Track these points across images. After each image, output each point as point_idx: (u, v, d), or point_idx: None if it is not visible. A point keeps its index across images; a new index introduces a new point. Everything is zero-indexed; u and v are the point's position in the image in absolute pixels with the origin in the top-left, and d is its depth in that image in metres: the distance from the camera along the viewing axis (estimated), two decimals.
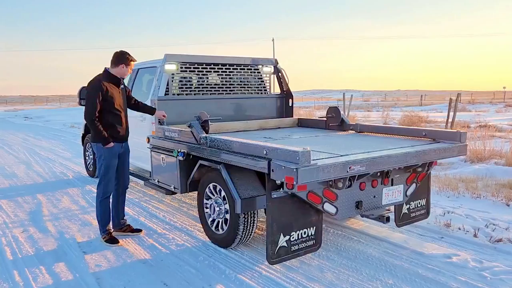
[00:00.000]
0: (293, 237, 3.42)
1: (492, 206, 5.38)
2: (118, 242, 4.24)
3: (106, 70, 4.15)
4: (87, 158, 7.68)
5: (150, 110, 4.79)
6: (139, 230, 4.57)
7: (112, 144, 4.11)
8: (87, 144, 7.58)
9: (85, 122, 4.11)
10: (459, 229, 4.51)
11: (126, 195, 4.66)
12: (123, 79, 4.29)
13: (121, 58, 4.12)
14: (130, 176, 4.73)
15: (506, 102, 37.30)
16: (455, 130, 4.13)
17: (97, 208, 4.31)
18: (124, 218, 4.59)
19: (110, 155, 4.17)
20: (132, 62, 4.19)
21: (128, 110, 4.45)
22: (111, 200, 4.44)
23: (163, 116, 4.83)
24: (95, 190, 6.57)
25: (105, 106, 4.04)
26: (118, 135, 4.20)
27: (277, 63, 6.20)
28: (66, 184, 7.10)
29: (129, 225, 4.59)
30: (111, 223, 4.42)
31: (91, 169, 7.52)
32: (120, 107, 4.18)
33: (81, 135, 7.80)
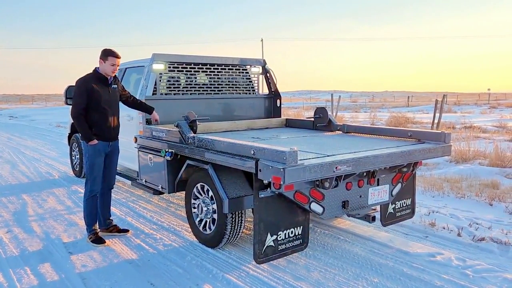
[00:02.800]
0: (280, 237, 3.44)
1: (475, 206, 5.48)
2: (104, 242, 4.22)
3: (94, 69, 4.16)
4: (73, 157, 7.60)
5: (147, 109, 4.77)
6: (126, 231, 4.55)
7: (95, 142, 4.09)
8: (73, 144, 7.51)
9: (71, 119, 4.11)
10: (444, 228, 4.59)
11: (113, 195, 4.64)
12: (112, 78, 4.21)
13: (101, 54, 4.11)
14: (117, 176, 4.70)
15: (490, 104, 37.96)
16: (440, 131, 4.21)
17: (84, 206, 4.30)
18: (111, 218, 4.56)
19: (95, 153, 4.15)
20: (110, 57, 4.07)
21: (120, 109, 4.41)
22: (99, 200, 4.41)
23: (156, 120, 4.81)
24: (82, 190, 6.53)
25: (91, 105, 4.04)
26: (103, 133, 4.17)
27: (265, 64, 6.22)
28: (52, 184, 7.02)
29: (115, 225, 4.56)
30: (97, 223, 4.39)
31: (77, 169, 7.44)
32: (108, 106, 4.15)
33: (67, 134, 7.72)
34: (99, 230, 4.38)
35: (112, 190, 4.60)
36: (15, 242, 4.35)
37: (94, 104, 4.05)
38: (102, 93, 4.09)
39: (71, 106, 4.20)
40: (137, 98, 4.79)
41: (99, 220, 4.43)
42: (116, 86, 4.30)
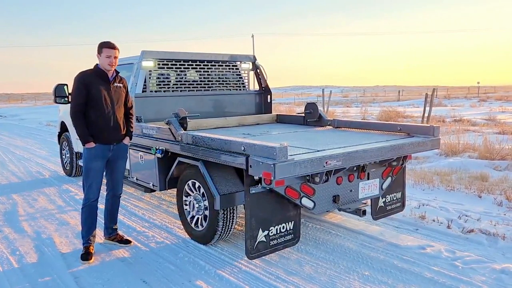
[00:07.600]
0: (272, 232, 3.46)
1: (465, 198, 5.55)
2: (89, 259, 3.81)
3: (95, 65, 3.85)
4: (63, 156, 7.55)
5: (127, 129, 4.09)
6: (128, 242, 4.20)
7: (92, 144, 3.75)
8: (63, 143, 7.45)
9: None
10: (433, 221, 4.64)
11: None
12: (115, 74, 3.87)
13: (97, 48, 3.77)
14: None
15: (480, 97, 38.31)
16: (429, 125, 4.25)
17: (80, 215, 4.02)
18: (115, 226, 4.25)
19: (90, 156, 3.81)
20: (104, 48, 3.72)
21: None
22: (104, 207, 4.21)
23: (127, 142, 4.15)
24: (72, 189, 6.51)
25: (89, 102, 3.72)
26: (102, 135, 3.80)
27: (256, 60, 6.22)
28: (43, 184, 6.96)
29: (118, 234, 4.25)
30: (93, 236, 4.03)
31: (67, 168, 7.40)
32: (108, 104, 3.78)
33: (57, 133, 7.66)
34: (92, 244, 3.98)
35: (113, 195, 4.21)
36: (6, 242, 4.32)
37: (92, 101, 3.72)
38: (101, 90, 3.74)
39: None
40: (131, 114, 4.17)
41: (105, 227, 4.22)
42: (120, 85, 3.94)
